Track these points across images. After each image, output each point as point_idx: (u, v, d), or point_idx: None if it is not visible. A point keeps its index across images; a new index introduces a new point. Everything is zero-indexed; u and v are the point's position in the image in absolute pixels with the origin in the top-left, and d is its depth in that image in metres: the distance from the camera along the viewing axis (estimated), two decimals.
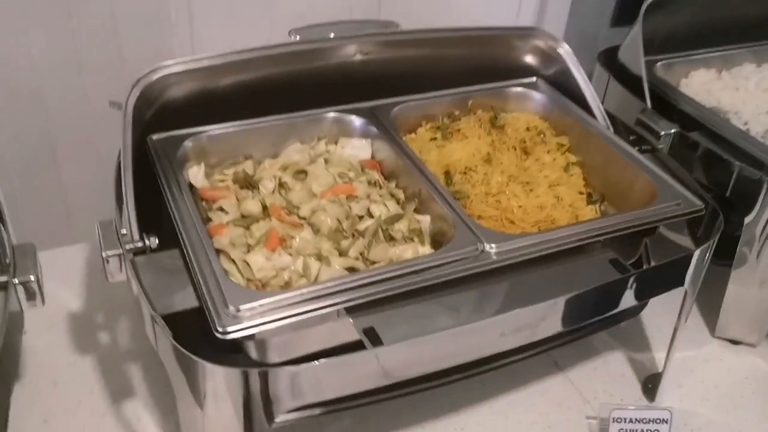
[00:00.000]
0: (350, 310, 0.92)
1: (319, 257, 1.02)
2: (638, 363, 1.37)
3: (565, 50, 1.41)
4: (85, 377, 1.24)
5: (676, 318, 1.24)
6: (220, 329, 0.84)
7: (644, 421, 1.19)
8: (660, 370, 1.31)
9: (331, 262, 1.01)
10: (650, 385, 1.32)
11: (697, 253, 1.10)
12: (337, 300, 0.90)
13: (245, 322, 0.85)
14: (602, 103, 1.48)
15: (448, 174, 1.25)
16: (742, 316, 1.42)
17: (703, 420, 1.28)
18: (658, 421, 1.19)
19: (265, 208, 1.13)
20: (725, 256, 1.36)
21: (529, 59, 1.46)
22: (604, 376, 1.35)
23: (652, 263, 1.09)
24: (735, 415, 1.30)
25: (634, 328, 1.43)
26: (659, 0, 1.48)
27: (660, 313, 1.35)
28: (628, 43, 1.55)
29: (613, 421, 1.20)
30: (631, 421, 1.20)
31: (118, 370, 1.25)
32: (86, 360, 1.27)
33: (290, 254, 1.03)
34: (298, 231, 1.06)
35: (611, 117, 1.41)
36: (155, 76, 1.13)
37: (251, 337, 0.86)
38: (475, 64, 1.44)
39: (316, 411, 0.99)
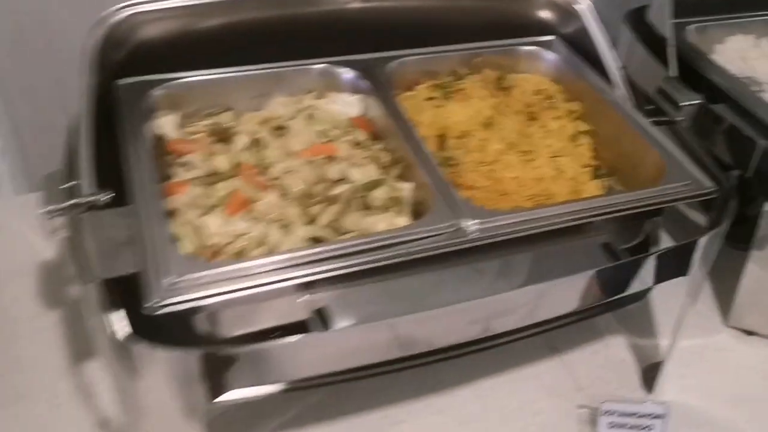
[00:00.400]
0: (302, 287, 0.83)
1: (283, 224, 0.93)
2: (641, 349, 1.28)
3: (583, 7, 1.29)
4: (47, 333, 1.18)
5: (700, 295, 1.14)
6: (149, 303, 0.76)
7: (637, 415, 1.10)
8: (663, 358, 1.20)
9: (293, 231, 0.92)
10: (650, 374, 1.22)
11: (703, 241, 0.99)
12: (287, 275, 0.82)
13: (179, 296, 0.77)
14: (626, 67, 1.36)
15: (442, 138, 1.15)
16: (759, 305, 1.31)
17: (704, 416, 1.18)
18: (652, 416, 1.10)
19: (239, 165, 1.03)
20: (744, 238, 1.24)
21: (546, 15, 1.35)
22: (602, 361, 1.26)
23: (652, 249, 0.99)
24: (740, 413, 1.20)
25: (640, 310, 1.32)
26: None
27: (671, 295, 1.22)
28: (658, 2, 1.41)
29: (603, 414, 1.10)
30: (622, 414, 1.10)
31: (82, 328, 1.19)
32: (50, 315, 1.21)
33: (254, 218, 0.94)
34: (265, 193, 0.97)
35: (632, 83, 1.29)
36: (121, 16, 1.04)
37: (188, 312, 0.78)
38: (486, 18, 1.33)
39: (266, 391, 0.91)
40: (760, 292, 1.28)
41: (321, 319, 0.83)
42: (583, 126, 1.21)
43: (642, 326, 1.29)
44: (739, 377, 1.25)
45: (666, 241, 1.09)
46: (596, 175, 1.15)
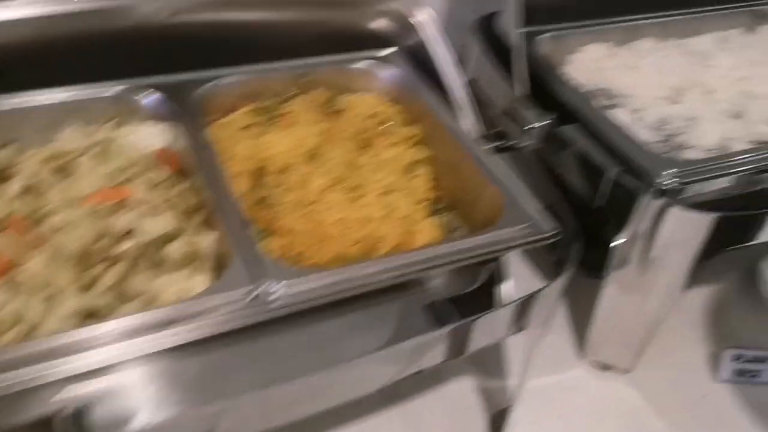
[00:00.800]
0: (62, 381, 0.68)
1: (50, 294, 0.78)
2: (490, 392, 1.18)
3: (423, 18, 1.17)
4: None
5: (557, 330, 1.09)
6: None
7: None
8: (512, 403, 1.11)
9: (61, 303, 0.77)
10: (498, 422, 1.12)
11: (542, 294, 0.89)
12: (38, 372, 0.66)
13: None
14: (477, 82, 1.25)
15: (260, 173, 1.00)
16: (615, 337, 1.23)
17: None
18: None
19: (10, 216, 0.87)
20: (599, 266, 1.15)
21: (385, 26, 1.21)
22: (447, 409, 1.16)
23: (487, 306, 0.88)
24: None
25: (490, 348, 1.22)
26: None
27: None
28: (506, 8, 1.30)
29: None
30: None
31: None
32: None
33: (14, 288, 0.78)
34: (35, 253, 0.81)
35: (482, 101, 1.18)
36: None
37: None
38: (320, 31, 1.19)
39: None
40: (615, 323, 1.20)
41: (78, 424, 0.68)
42: (423, 153, 1.09)
43: (491, 366, 1.19)
44: (593, 420, 1.18)
45: (509, 286, 0.98)
46: (434, 210, 1.04)
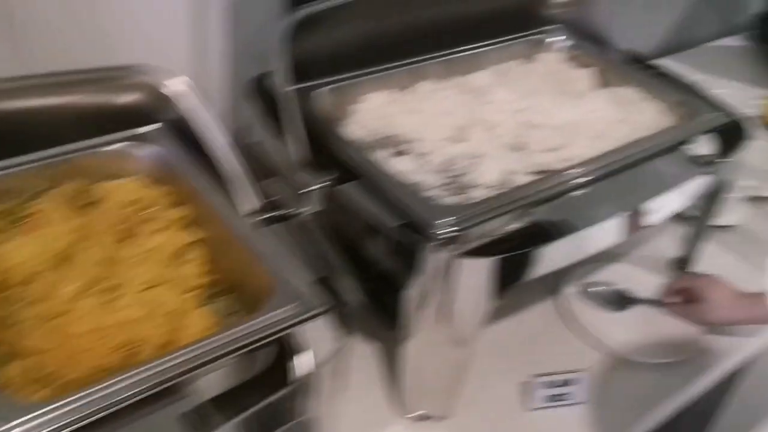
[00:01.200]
0: None
1: None
2: None
3: (177, 90, 1.09)
4: None
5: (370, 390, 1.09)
6: None
7: None
8: None
9: None
10: None
11: (318, 374, 0.82)
12: None
13: None
14: (254, 149, 1.19)
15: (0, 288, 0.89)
16: (426, 386, 1.21)
17: None
18: None
19: None
20: (398, 321, 1.11)
21: (142, 102, 1.12)
22: None
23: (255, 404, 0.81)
24: None
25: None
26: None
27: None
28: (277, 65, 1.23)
29: None
30: None
31: None
32: None
33: None
34: None
35: (262, 167, 1.12)
36: None
37: None
38: (72, 114, 1.09)
39: None
40: (423, 373, 1.18)
41: None
42: (194, 235, 1.01)
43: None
44: None
45: (303, 360, 0.91)
46: (210, 296, 0.96)
